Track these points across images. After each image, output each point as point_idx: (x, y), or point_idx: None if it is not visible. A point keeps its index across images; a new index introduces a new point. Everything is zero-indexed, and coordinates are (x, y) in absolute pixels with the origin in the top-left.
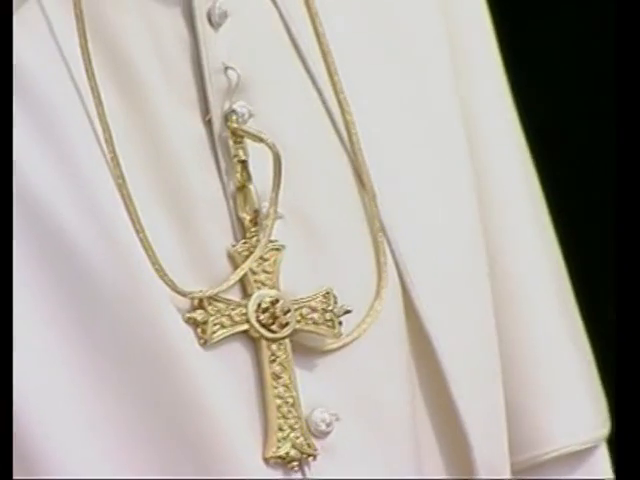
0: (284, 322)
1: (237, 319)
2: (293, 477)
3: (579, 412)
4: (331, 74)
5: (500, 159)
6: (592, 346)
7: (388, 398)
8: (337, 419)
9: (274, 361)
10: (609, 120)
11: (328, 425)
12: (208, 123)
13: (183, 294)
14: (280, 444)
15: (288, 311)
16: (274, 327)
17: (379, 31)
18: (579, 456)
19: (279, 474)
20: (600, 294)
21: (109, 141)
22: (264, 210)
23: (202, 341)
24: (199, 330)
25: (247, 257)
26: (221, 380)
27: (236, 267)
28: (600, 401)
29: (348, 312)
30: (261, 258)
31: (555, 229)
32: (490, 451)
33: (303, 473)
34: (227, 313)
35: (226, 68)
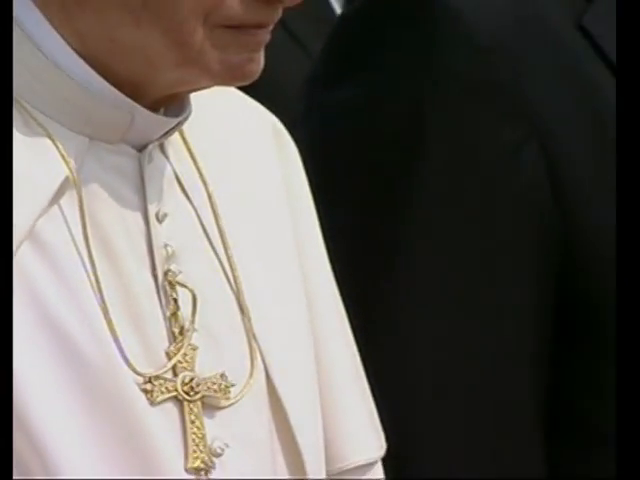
0: (197, 391)
1: (170, 389)
2: (202, 479)
3: (369, 442)
4: (226, 249)
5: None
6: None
7: (257, 436)
8: (227, 446)
9: (191, 413)
10: None
11: (222, 450)
12: (155, 277)
13: (139, 374)
14: (194, 461)
15: (199, 384)
16: (191, 394)
17: (256, 219)
18: (367, 467)
19: (193, 477)
20: None
21: (99, 286)
22: (186, 326)
23: (150, 402)
24: (148, 395)
25: (176, 354)
26: (161, 424)
27: (170, 359)
28: (380, 433)
29: (233, 385)
30: (184, 354)
31: None
32: (315, 463)
33: (208, 478)
34: (165, 386)
35: (165, 245)
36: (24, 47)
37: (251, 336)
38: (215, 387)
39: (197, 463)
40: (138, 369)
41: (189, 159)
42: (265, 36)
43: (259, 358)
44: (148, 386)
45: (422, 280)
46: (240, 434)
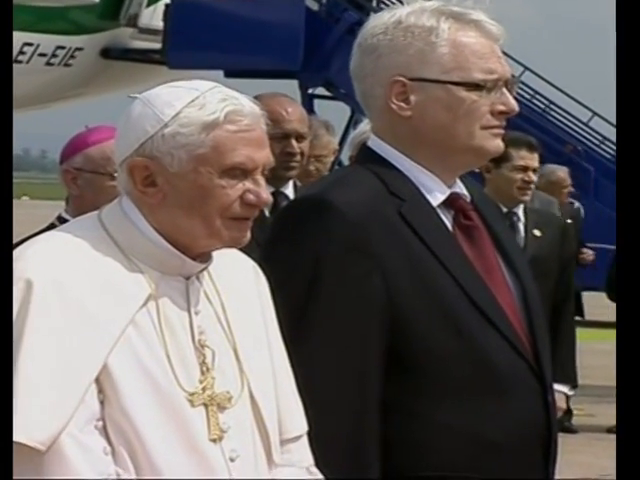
0: (215, 400)
1: (201, 400)
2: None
3: (299, 424)
4: (229, 326)
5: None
6: None
7: (245, 422)
8: (230, 428)
9: (212, 411)
10: None
11: (227, 429)
12: (193, 342)
13: (185, 391)
14: (213, 434)
15: (216, 396)
16: (212, 402)
17: (245, 313)
18: (299, 437)
19: (212, 442)
20: None
21: (165, 347)
22: (209, 367)
23: (191, 405)
24: (190, 403)
25: (203, 381)
26: (197, 417)
27: (201, 383)
28: (304, 418)
29: (232, 397)
30: (208, 381)
31: None
32: (275, 436)
33: (220, 444)
34: (199, 397)
35: (199, 326)
36: (128, 227)
37: (241, 370)
38: (224, 398)
39: (214, 436)
40: (185, 388)
41: (211, 283)
42: (250, 223)
43: (246, 382)
44: (190, 397)
45: (318, 339)
46: (236, 421)
